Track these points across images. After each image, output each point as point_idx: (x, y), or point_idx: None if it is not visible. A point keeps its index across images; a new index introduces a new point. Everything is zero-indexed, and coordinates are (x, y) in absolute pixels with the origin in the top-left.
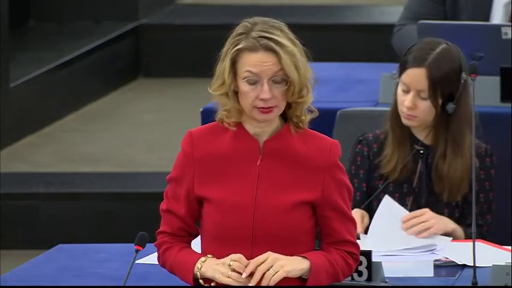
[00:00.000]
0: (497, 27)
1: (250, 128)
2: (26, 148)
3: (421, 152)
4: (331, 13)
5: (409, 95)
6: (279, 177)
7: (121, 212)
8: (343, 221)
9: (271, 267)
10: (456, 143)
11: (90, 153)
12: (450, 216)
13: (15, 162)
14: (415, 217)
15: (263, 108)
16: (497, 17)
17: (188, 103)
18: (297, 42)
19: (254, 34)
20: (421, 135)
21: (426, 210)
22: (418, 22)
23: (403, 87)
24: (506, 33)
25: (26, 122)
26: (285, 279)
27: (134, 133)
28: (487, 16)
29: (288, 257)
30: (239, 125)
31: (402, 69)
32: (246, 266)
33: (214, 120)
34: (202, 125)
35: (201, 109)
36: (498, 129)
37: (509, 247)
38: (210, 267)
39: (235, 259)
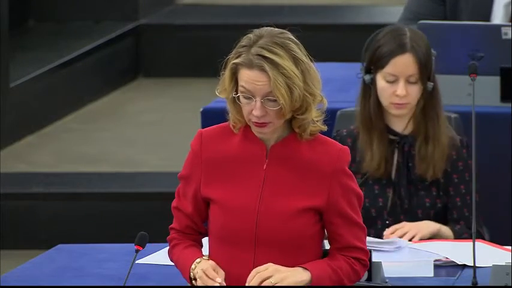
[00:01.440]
0: (497, 27)
1: (256, 132)
2: (26, 148)
3: (397, 142)
4: (331, 13)
5: (399, 83)
6: (285, 182)
7: (121, 212)
8: (350, 227)
9: (271, 276)
10: (437, 122)
11: (90, 153)
12: (432, 206)
13: (15, 162)
14: (396, 230)
15: (257, 123)
16: (497, 17)
17: (188, 103)
18: (302, 59)
19: (253, 50)
20: (399, 126)
21: (404, 223)
22: (418, 22)
23: (389, 78)
24: (506, 33)
25: (26, 122)
26: None
27: (134, 133)
28: (487, 17)
29: (289, 269)
30: (247, 128)
31: (381, 63)
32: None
33: (226, 120)
34: (201, 124)
35: (201, 109)
36: (498, 129)
37: (509, 247)
38: (199, 269)
39: (212, 266)
